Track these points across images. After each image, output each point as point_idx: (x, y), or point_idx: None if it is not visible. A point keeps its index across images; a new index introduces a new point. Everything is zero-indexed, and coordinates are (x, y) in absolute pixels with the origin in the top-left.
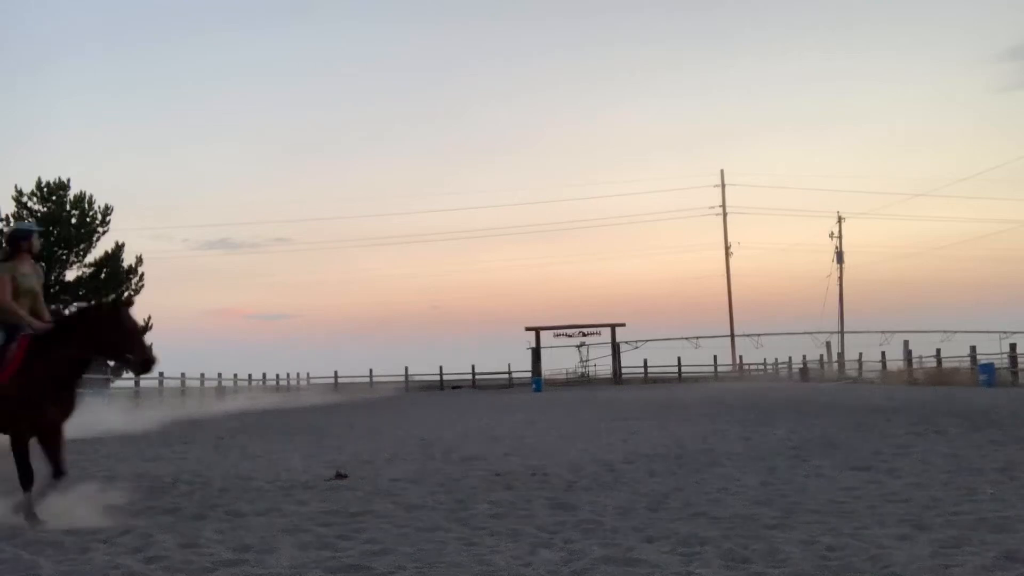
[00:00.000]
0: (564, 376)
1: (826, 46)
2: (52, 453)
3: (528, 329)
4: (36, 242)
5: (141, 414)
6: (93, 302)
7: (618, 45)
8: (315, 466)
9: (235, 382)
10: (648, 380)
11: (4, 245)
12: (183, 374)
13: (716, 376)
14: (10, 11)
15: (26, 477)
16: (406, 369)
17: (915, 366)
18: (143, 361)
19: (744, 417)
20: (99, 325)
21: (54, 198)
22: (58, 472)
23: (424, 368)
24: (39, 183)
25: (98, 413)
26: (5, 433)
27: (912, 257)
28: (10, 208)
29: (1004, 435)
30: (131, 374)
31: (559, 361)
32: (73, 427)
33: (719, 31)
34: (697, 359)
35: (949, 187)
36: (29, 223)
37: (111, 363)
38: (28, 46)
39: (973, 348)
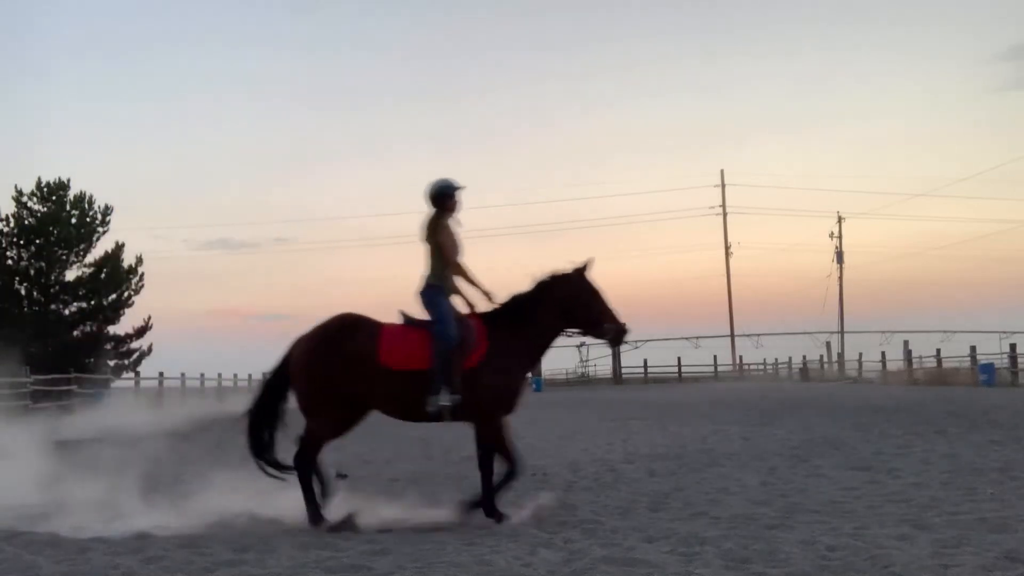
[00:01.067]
0: (564, 376)
1: (826, 46)
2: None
3: None
4: (460, 199)
5: (146, 415)
6: (554, 270)
7: (618, 45)
8: None
9: (235, 382)
10: (648, 380)
11: (430, 202)
12: (183, 374)
13: (716, 376)
14: (10, 11)
15: (515, 465)
16: None
17: (915, 366)
18: (619, 329)
19: (744, 417)
20: (573, 293)
21: (54, 198)
22: (512, 466)
23: None
24: (39, 183)
25: (95, 414)
26: (472, 421)
27: (912, 257)
28: (10, 208)
29: (1004, 435)
30: (605, 344)
31: (559, 361)
32: (75, 427)
33: (719, 31)
34: (697, 359)
35: (949, 187)
36: (451, 179)
37: (582, 335)
38: (28, 46)
39: (973, 348)
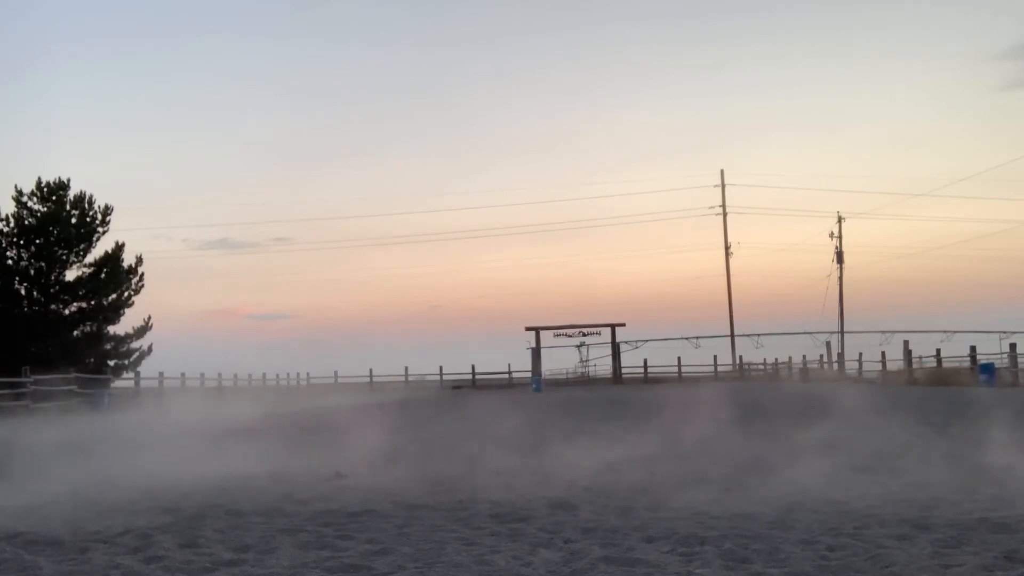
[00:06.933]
0: (564, 376)
1: (825, 46)
2: None
3: (528, 329)
4: None
5: (151, 415)
6: None
7: (618, 46)
8: (315, 466)
9: (235, 382)
10: (648, 380)
11: None
12: (183, 374)
13: (716, 376)
14: (10, 10)
15: None
16: (406, 369)
17: (915, 366)
18: None
19: (744, 417)
20: None
21: (54, 198)
22: None
23: (424, 368)
24: (39, 183)
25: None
26: None
27: (912, 257)
28: (10, 208)
29: (1004, 435)
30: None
31: (559, 361)
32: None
33: (719, 32)
34: (697, 359)
35: (949, 187)
36: None
37: None
38: (28, 46)
39: (973, 348)
